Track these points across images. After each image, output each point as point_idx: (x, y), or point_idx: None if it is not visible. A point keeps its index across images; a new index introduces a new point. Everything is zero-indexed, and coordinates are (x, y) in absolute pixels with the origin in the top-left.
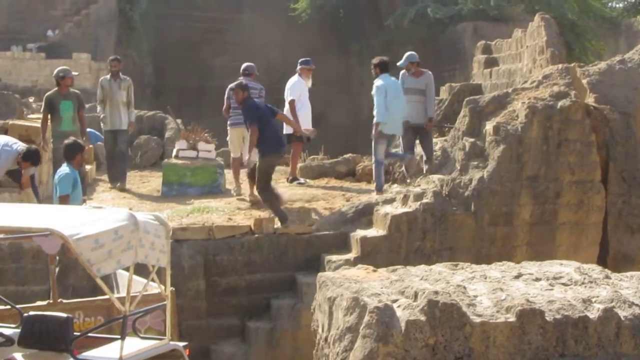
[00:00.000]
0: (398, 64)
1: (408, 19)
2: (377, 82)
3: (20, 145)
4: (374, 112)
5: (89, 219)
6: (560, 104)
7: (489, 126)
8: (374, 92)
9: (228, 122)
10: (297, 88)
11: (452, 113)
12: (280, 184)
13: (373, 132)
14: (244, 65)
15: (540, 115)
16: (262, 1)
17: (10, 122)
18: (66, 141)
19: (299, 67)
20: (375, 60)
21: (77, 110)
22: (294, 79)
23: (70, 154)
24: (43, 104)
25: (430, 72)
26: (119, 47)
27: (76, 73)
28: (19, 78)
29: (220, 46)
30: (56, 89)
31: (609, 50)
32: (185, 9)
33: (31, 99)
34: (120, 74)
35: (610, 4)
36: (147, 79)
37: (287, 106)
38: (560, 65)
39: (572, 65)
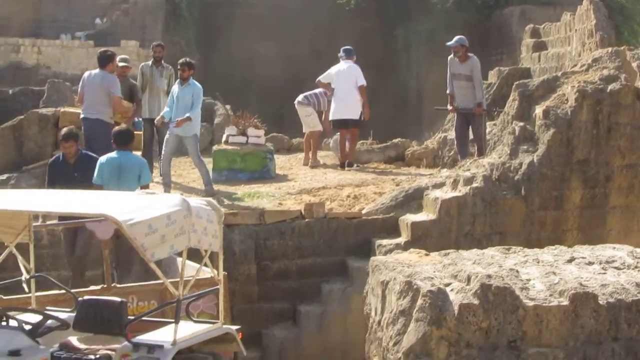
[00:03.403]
0: (448, 43)
1: (453, 1)
2: (198, 85)
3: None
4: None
5: (142, 205)
6: (610, 87)
7: (538, 110)
8: (195, 94)
9: None
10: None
11: (501, 97)
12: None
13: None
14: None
15: (590, 99)
16: None
17: (62, 109)
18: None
19: (351, 55)
20: (185, 61)
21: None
22: (354, 64)
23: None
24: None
25: (475, 57)
26: (166, 34)
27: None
28: (68, 66)
29: (265, 32)
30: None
31: None
32: None
33: None
34: (163, 61)
35: None
36: (195, 66)
37: (340, 89)
38: (609, 49)
39: (622, 48)
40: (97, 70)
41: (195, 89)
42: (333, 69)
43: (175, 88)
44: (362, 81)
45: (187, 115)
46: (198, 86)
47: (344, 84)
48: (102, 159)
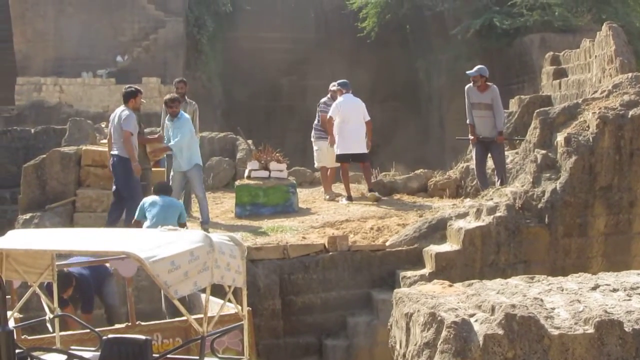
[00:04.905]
0: (468, 72)
1: (473, 31)
2: (184, 116)
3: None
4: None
5: (165, 241)
6: (631, 112)
7: (560, 137)
8: (180, 124)
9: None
10: None
11: (523, 125)
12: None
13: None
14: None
15: (611, 124)
16: (328, 20)
17: (84, 147)
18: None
19: (350, 88)
20: (167, 98)
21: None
22: (358, 98)
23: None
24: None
25: (495, 86)
26: (187, 70)
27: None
28: (90, 104)
29: (287, 66)
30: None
31: None
32: (252, 30)
33: (103, 124)
34: (187, 97)
35: None
36: (217, 101)
37: (351, 123)
38: (630, 74)
39: None
40: (119, 108)
41: (181, 119)
42: (338, 103)
43: (168, 124)
44: (368, 116)
45: (164, 145)
46: (185, 117)
47: (354, 118)
48: (147, 199)
